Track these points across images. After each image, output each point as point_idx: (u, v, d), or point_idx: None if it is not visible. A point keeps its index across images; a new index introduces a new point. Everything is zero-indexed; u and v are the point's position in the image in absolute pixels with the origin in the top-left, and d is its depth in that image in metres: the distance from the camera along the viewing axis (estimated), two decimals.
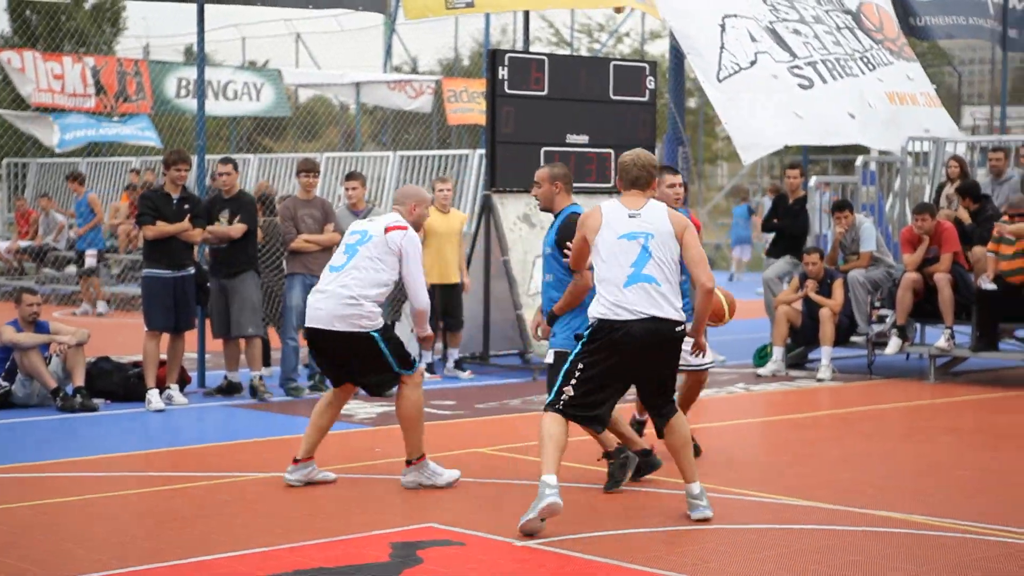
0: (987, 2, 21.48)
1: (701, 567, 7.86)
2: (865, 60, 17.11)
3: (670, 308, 8.50)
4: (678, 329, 8.60)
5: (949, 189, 17.62)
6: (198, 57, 16.74)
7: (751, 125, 16.42)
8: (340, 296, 9.48)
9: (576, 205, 10.11)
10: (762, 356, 16.56)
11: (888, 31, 18.25)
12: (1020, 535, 8.45)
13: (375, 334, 9.48)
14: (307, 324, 9.80)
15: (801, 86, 16.46)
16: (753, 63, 16.49)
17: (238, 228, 14.22)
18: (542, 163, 16.58)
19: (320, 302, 9.61)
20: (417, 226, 9.67)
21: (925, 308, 16.18)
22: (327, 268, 9.90)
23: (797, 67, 16.45)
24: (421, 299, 9.72)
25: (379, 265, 9.52)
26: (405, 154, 26.32)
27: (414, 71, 39.49)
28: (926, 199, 17.95)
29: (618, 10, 32.22)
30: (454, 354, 16.26)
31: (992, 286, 15.52)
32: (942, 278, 15.70)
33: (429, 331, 9.98)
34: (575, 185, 16.75)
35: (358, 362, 9.67)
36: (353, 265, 9.55)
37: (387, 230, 9.55)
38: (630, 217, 8.60)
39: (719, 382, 15.57)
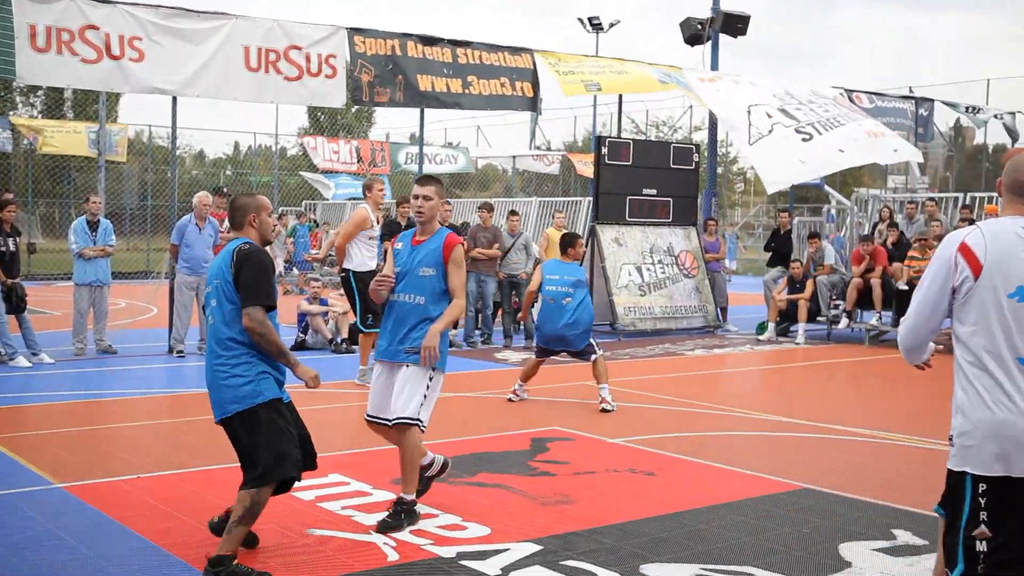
0: (907, 109, 19.70)
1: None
2: (847, 119, 15.46)
3: None
4: None
5: (881, 226, 16.10)
6: (419, 140, 15.96)
7: (772, 170, 14.91)
8: None
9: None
10: (762, 328, 15.33)
11: (851, 108, 16.59)
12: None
13: None
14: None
15: (804, 139, 14.82)
16: (771, 131, 15.01)
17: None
18: (627, 208, 15.33)
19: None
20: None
21: (864, 300, 14.98)
22: None
23: (800, 128, 14.90)
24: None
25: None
26: (542, 199, 24.81)
27: (548, 148, 37.56)
28: (865, 232, 16.64)
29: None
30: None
31: (905, 286, 14.39)
32: (875, 281, 14.52)
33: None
34: (649, 220, 15.86)
35: None
36: None
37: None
38: None
39: (734, 343, 14.45)
